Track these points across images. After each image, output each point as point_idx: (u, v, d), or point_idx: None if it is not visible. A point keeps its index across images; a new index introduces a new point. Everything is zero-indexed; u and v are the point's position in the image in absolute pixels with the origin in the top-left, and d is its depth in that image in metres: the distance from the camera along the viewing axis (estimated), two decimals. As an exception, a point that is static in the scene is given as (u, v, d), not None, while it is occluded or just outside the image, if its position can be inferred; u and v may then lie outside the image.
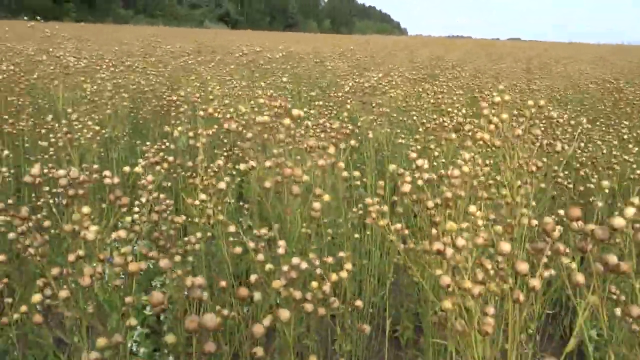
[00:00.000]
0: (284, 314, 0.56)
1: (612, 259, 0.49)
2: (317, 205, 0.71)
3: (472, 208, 0.74)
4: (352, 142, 1.15)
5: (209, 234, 0.98)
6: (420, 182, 0.84)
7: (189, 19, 40.97)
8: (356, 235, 1.37)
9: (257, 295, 0.61)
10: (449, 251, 0.56)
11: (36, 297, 0.64)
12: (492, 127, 0.88)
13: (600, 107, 2.70)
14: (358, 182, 1.24)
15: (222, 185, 0.80)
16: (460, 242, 0.61)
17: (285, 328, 0.68)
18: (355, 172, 0.94)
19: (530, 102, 0.98)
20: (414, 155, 0.96)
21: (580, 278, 0.50)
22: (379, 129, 1.80)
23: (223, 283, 0.63)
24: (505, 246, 0.49)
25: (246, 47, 4.08)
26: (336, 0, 60.31)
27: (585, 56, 8.53)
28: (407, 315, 1.40)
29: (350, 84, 1.81)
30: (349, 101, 1.82)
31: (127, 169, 0.88)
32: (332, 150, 0.83)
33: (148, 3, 40.18)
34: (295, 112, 0.73)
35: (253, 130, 0.79)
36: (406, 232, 0.88)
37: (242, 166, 0.81)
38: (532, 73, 4.45)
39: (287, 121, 0.72)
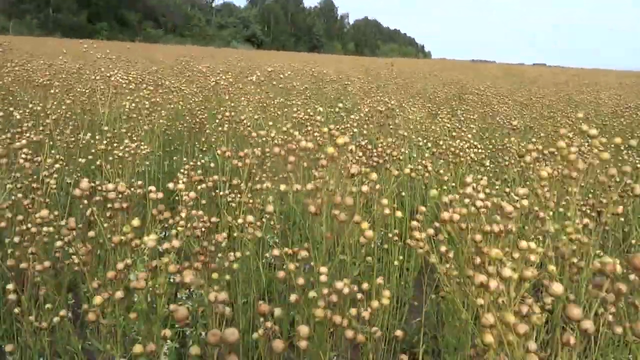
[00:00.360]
0: (303, 329, 0.56)
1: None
2: (369, 233, 0.72)
3: (524, 243, 0.72)
4: (395, 172, 1.15)
5: (247, 252, 0.99)
6: (472, 209, 0.83)
7: (217, 39, 41.97)
8: (395, 263, 1.37)
9: (277, 312, 0.62)
10: (493, 283, 0.55)
11: (98, 299, 0.66)
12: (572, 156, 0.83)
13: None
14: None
15: (269, 208, 0.81)
16: (507, 272, 0.60)
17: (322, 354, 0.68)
18: (398, 213, 0.93)
19: (618, 139, 0.91)
20: (469, 180, 0.94)
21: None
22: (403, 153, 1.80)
23: (265, 308, 0.64)
24: (558, 287, 0.48)
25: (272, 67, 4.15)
26: (362, 23, 61.06)
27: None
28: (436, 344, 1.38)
29: (366, 108, 1.82)
30: (365, 125, 1.84)
31: (171, 185, 0.90)
32: (374, 176, 0.84)
33: (177, 23, 41.35)
34: (340, 140, 0.74)
35: (296, 154, 0.80)
36: (450, 255, 0.87)
37: (282, 187, 0.82)
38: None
39: (330, 150, 0.73)
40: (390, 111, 2.09)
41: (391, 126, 1.97)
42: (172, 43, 33.27)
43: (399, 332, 0.81)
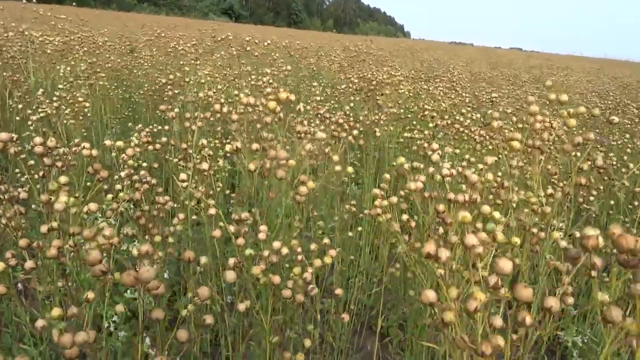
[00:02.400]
0: (230, 275, 0.53)
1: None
2: (303, 189, 0.68)
3: (486, 208, 0.69)
4: (355, 132, 1.12)
5: (193, 217, 0.95)
6: (438, 177, 0.80)
7: (193, 10, 40.81)
8: (349, 234, 1.35)
9: (203, 259, 0.59)
10: (444, 254, 0.52)
11: (28, 264, 0.61)
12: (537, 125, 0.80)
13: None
14: (352, 180, 1.21)
15: (204, 165, 0.77)
16: (472, 240, 0.56)
17: (263, 315, 0.65)
18: (349, 168, 0.90)
19: (582, 109, 0.90)
20: (435, 146, 0.91)
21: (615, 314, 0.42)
22: (383, 126, 1.77)
23: (189, 254, 0.60)
24: (506, 264, 0.44)
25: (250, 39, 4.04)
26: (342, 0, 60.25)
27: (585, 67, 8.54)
28: (394, 314, 1.38)
29: (354, 80, 1.78)
30: (352, 98, 1.80)
31: (107, 142, 0.84)
32: (320, 135, 0.80)
33: (152, -8, 39.95)
34: (282, 95, 0.70)
35: (239, 111, 0.76)
36: (412, 224, 0.84)
37: (227, 147, 0.78)
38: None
39: (272, 104, 0.69)
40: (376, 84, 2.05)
41: (379, 100, 1.94)
42: (146, 12, 32.20)
43: (338, 291, 0.79)
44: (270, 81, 1.53)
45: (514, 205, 0.79)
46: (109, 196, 0.84)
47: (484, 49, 19.42)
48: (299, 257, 0.74)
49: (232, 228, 0.73)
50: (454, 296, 0.48)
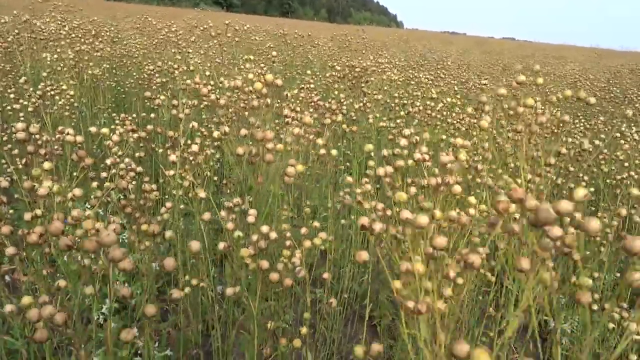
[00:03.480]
0: (195, 245, 0.53)
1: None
2: (291, 170, 0.67)
3: (457, 187, 0.70)
4: (339, 117, 1.11)
5: (181, 206, 0.94)
6: (410, 162, 0.80)
7: (183, 0, 40.35)
8: (343, 221, 1.34)
9: (168, 234, 0.58)
10: (377, 226, 0.52)
11: (9, 250, 0.59)
12: (520, 109, 0.80)
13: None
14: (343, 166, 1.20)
15: (194, 147, 0.76)
16: (421, 219, 0.56)
17: (252, 301, 0.64)
18: (333, 151, 0.89)
19: (568, 92, 0.89)
20: (407, 132, 0.92)
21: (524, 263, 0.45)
22: (368, 113, 1.76)
23: (153, 227, 0.59)
24: (441, 240, 0.45)
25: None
26: (334, -11, 59.84)
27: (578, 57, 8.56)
28: (385, 302, 1.38)
29: (339, 67, 1.76)
30: (336, 85, 1.78)
31: (93, 129, 0.83)
32: (307, 119, 0.79)
33: (142, -19, 39.35)
34: (269, 77, 0.68)
35: (226, 96, 0.74)
36: (388, 212, 0.85)
37: (215, 133, 0.77)
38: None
39: (258, 85, 0.68)
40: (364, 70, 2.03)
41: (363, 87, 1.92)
42: (135, 2, 31.77)
43: (326, 275, 0.79)
44: (262, 68, 1.51)
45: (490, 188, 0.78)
46: (94, 184, 0.83)
47: (477, 39, 19.42)
48: (288, 243, 0.73)
49: (222, 213, 0.72)
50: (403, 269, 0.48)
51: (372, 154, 0.76)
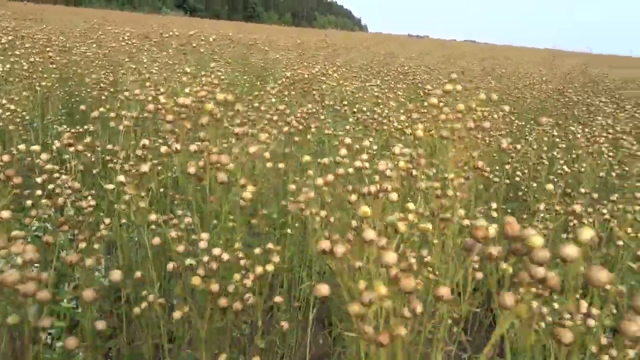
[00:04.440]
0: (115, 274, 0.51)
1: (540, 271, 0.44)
2: (247, 195, 0.67)
3: (394, 196, 0.71)
4: (286, 129, 1.11)
5: (123, 220, 0.92)
6: (350, 170, 0.81)
7: (146, 4, 39.69)
8: (289, 231, 1.34)
9: (115, 275, 0.57)
10: (339, 249, 0.52)
11: None
12: (442, 116, 0.82)
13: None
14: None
15: (145, 168, 0.74)
16: (370, 234, 0.57)
17: (200, 322, 0.63)
18: (280, 164, 0.90)
19: (482, 96, 0.92)
20: (347, 141, 0.94)
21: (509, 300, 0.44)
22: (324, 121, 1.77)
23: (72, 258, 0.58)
24: (390, 257, 0.44)
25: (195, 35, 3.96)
26: (298, -7, 59.99)
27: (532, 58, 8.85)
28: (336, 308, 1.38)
29: (288, 74, 1.77)
30: (286, 92, 1.78)
31: (22, 147, 0.80)
32: (263, 137, 0.79)
33: (101, -14, 38.44)
34: (219, 96, 0.68)
35: (175, 113, 0.73)
36: (331, 220, 0.85)
37: (162, 149, 0.76)
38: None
39: (209, 106, 0.67)
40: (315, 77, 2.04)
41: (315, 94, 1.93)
42: (95, 7, 31.07)
43: (277, 298, 0.79)
44: (214, 81, 1.50)
45: (426, 192, 0.80)
46: (29, 202, 0.80)
47: (439, 42, 19.87)
48: (242, 262, 0.73)
49: (172, 234, 0.72)
50: (362, 287, 0.48)
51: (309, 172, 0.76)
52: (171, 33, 2.56)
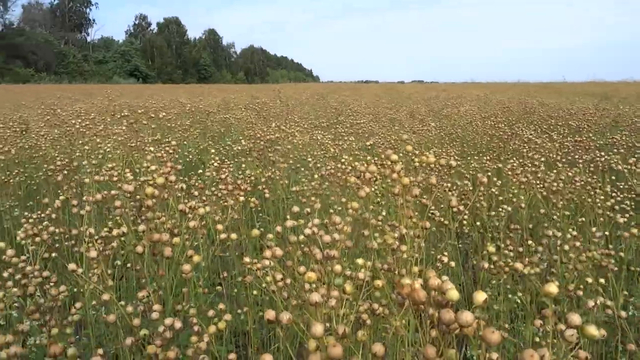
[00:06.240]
0: None
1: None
2: (186, 267, 0.75)
3: (338, 268, 0.78)
4: (240, 198, 1.20)
5: (93, 302, 0.97)
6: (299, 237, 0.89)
7: (97, 75, 39.79)
8: (255, 292, 1.40)
9: (71, 351, 0.63)
10: (285, 317, 0.59)
11: None
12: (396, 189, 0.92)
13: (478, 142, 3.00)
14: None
15: (92, 253, 0.81)
16: (315, 297, 0.64)
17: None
18: (233, 235, 0.98)
19: (432, 159, 1.01)
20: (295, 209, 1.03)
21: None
22: (277, 181, 1.87)
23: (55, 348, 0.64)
24: (318, 328, 0.52)
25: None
26: (248, 51, 61.63)
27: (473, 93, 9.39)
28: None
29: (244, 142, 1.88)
30: (244, 158, 1.89)
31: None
32: (202, 211, 0.88)
33: (49, 61, 38.42)
34: (160, 180, 0.77)
35: (122, 198, 0.81)
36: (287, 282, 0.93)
37: (114, 232, 0.83)
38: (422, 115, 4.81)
39: (149, 190, 0.76)
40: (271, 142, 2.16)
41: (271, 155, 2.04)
42: (45, 82, 30.89)
43: (232, 356, 0.85)
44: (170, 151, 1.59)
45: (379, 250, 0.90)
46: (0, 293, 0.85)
47: (388, 85, 20.80)
48: (196, 328, 0.80)
49: (129, 309, 0.78)
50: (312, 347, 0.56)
51: (269, 235, 0.85)
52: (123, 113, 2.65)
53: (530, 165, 1.69)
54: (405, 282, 0.54)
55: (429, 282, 0.54)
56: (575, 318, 0.50)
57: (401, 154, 1.25)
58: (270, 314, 0.54)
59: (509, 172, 1.63)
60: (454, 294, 0.52)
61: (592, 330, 0.52)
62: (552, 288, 0.51)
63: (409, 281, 0.55)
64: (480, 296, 0.52)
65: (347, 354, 0.64)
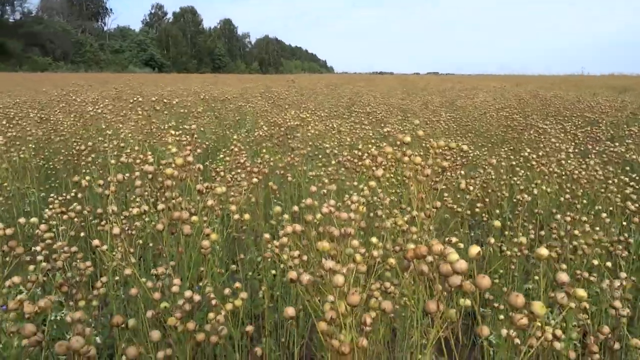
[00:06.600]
0: (155, 334, 0.62)
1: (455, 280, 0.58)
2: (205, 243, 0.78)
3: (355, 243, 0.82)
4: (254, 180, 1.23)
5: (116, 277, 1.01)
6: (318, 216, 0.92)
7: (112, 64, 40.13)
8: (274, 272, 1.44)
9: (131, 322, 0.67)
10: (305, 278, 0.64)
11: None
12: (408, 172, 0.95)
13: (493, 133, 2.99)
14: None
15: (116, 230, 0.85)
16: (329, 264, 0.68)
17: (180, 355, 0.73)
18: (246, 215, 1.01)
19: (441, 143, 1.04)
20: (314, 189, 1.07)
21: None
22: (295, 167, 1.90)
23: (118, 319, 0.68)
24: (339, 278, 0.56)
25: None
26: (263, 42, 61.57)
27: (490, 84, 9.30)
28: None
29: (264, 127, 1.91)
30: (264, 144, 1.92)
31: (22, 220, 0.90)
32: (219, 190, 0.91)
33: (67, 50, 38.85)
34: (179, 160, 0.80)
35: (143, 178, 0.85)
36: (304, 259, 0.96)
37: (134, 210, 0.87)
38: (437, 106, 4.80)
39: (169, 170, 0.79)
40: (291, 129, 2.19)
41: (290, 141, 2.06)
42: (62, 71, 31.25)
43: (249, 328, 0.88)
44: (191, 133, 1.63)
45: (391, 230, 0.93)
46: (31, 267, 0.90)
47: (403, 77, 20.66)
48: (213, 302, 0.83)
49: (149, 284, 0.82)
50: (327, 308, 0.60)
51: (285, 215, 0.88)
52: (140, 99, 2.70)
53: (550, 155, 1.71)
54: (410, 247, 0.58)
55: (432, 248, 0.57)
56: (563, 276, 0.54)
57: (414, 138, 1.27)
58: (292, 274, 0.57)
59: (534, 162, 1.64)
60: (454, 256, 0.56)
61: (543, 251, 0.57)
62: (543, 251, 0.56)
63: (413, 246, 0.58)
64: (474, 249, 0.56)
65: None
